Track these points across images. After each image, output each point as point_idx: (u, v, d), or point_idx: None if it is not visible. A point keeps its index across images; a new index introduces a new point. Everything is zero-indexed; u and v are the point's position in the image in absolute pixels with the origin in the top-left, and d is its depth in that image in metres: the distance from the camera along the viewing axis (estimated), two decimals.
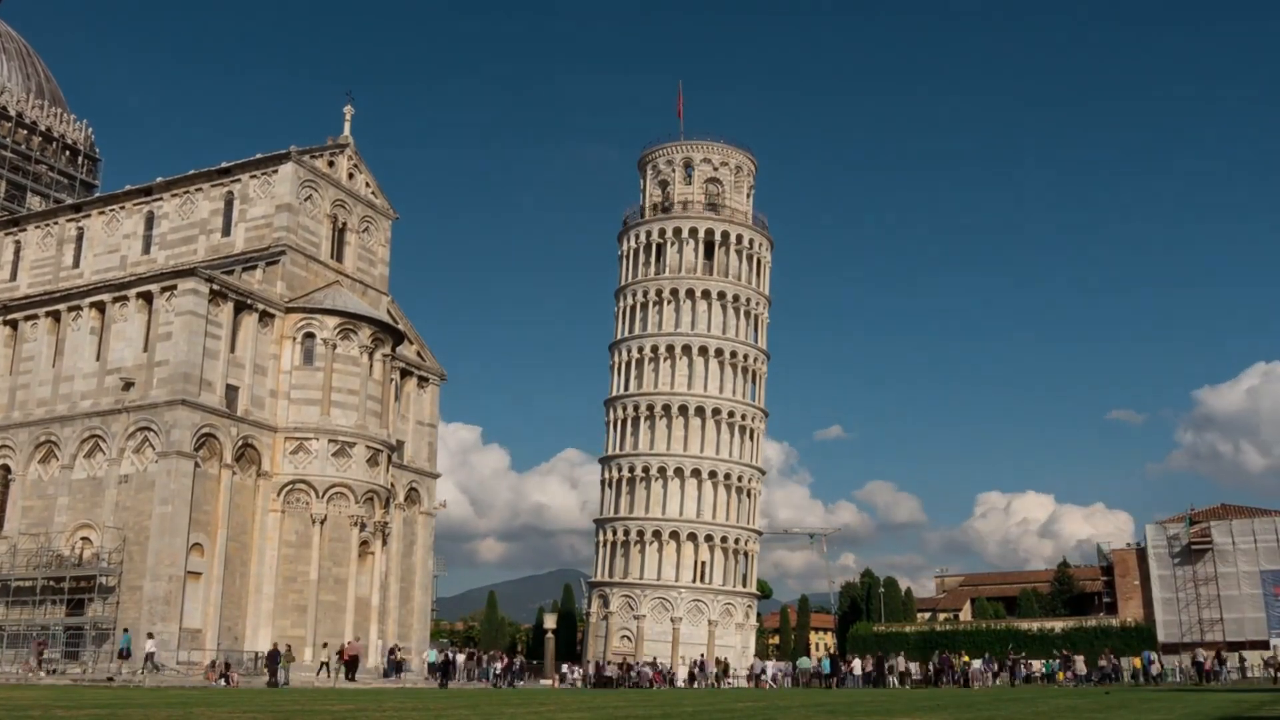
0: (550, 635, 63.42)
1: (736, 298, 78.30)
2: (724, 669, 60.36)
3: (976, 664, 57.29)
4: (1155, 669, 55.74)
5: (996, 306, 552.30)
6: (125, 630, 41.33)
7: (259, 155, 50.68)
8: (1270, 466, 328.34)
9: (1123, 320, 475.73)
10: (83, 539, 44.98)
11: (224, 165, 51.36)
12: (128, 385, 45.56)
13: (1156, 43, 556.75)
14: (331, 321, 48.82)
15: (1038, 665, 58.83)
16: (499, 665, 51.07)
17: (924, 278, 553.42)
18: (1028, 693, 39.56)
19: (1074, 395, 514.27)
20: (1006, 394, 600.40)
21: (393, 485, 53.24)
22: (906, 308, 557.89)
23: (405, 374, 57.19)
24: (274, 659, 38.89)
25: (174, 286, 45.56)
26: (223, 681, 38.31)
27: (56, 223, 55.68)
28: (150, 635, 40.25)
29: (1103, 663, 55.84)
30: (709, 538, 74.59)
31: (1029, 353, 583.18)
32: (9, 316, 50.39)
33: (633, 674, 53.70)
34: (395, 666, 48.38)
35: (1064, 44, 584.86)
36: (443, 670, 44.58)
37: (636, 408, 77.12)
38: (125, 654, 39.49)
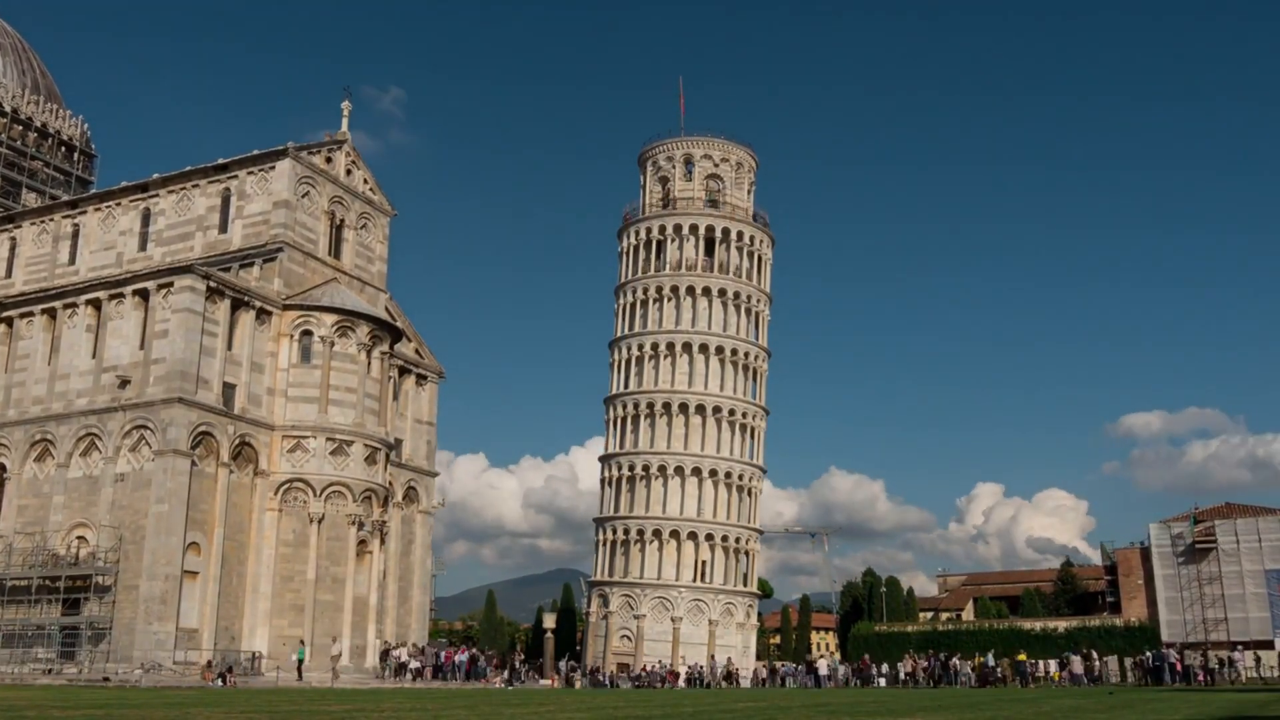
0: (550, 635, 62.96)
1: (737, 295, 77.85)
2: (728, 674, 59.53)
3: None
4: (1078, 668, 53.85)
5: (993, 306, 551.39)
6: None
7: (256, 151, 50.28)
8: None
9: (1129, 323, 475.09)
10: (79, 538, 44.59)
11: (221, 161, 50.96)
12: (124, 383, 45.16)
13: (1155, 45, 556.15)
14: (329, 319, 48.43)
15: (1052, 665, 57.88)
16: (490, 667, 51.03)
17: (922, 276, 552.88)
18: (1030, 693, 39.17)
19: (1074, 397, 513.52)
20: (992, 393, 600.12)
21: (391, 484, 52.85)
22: (902, 305, 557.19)
23: (404, 372, 56.82)
24: (261, 658, 38.69)
25: (171, 284, 45.17)
26: (219, 681, 37.95)
27: (52, 219, 55.31)
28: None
29: (1082, 666, 54.47)
30: (709, 537, 74.17)
31: (1021, 354, 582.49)
32: (4, 314, 49.94)
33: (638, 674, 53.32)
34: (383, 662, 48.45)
35: (1065, 44, 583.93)
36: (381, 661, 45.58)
37: (636, 406, 76.68)
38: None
